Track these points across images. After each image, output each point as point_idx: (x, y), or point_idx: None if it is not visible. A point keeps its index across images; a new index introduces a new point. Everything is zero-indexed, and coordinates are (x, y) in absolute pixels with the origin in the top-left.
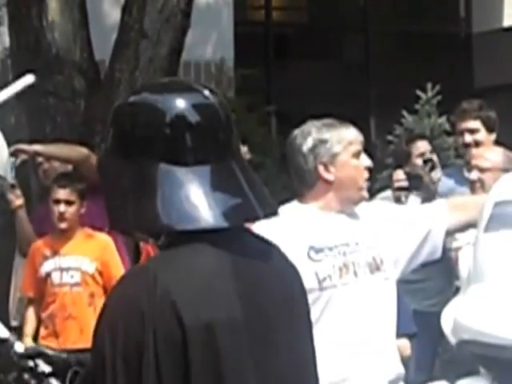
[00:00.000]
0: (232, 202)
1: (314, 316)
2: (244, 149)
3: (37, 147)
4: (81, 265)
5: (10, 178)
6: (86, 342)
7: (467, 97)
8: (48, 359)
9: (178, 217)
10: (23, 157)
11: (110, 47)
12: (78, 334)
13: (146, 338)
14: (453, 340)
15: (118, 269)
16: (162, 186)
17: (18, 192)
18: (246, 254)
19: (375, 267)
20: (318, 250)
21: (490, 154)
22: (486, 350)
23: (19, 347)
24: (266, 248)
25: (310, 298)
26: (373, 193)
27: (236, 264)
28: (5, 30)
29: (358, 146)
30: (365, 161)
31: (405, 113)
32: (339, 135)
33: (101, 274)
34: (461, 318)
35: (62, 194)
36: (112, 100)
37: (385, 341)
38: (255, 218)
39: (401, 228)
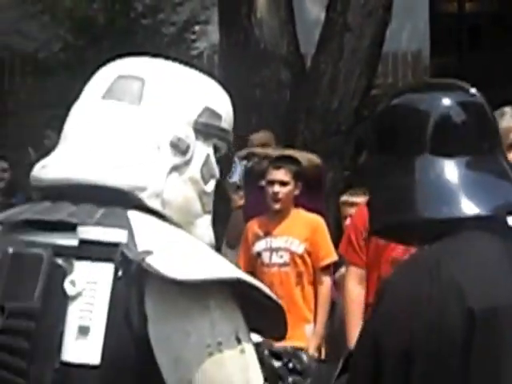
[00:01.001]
0: (496, 191)
1: None
2: None
3: (269, 151)
4: (290, 245)
5: (238, 179)
6: (293, 322)
7: None
8: (301, 360)
9: (440, 204)
10: (255, 160)
11: (314, 41)
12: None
13: (432, 321)
14: None
15: (328, 250)
16: (424, 176)
17: (242, 193)
18: None
19: None
20: None
21: None
22: None
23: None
24: None
25: None
26: None
27: (509, 251)
28: (212, 28)
29: None
30: None
31: None
32: None
33: (309, 254)
34: None
35: (277, 174)
36: (316, 90)
37: None
38: None
39: None
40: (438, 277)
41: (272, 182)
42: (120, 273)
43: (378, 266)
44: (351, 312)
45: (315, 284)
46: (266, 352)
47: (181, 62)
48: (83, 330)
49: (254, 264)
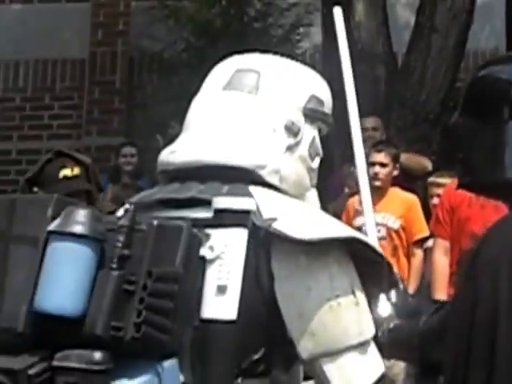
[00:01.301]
0: None
1: None
2: None
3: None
4: (387, 221)
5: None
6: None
7: None
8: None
9: None
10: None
11: (405, 41)
12: None
13: None
14: None
15: (420, 226)
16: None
17: None
18: None
19: None
20: None
21: None
22: None
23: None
24: None
25: None
26: None
27: None
28: (314, 30)
29: None
30: None
31: None
32: None
33: (404, 229)
34: None
35: (378, 157)
36: (407, 84)
37: None
38: None
39: None
40: None
41: (373, 164)
42: (251, 237)
43: (459, 240)
44: (437, 280)
45: (409, 256)
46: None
47: (288, 57)
48: (221, 289)
49: None
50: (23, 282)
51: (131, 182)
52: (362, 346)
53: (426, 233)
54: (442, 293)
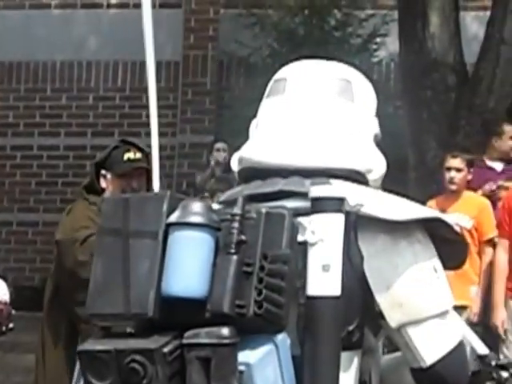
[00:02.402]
0: None
1: None
2: None
3: None
4: (460, 221)
5: None
6: (461, 283)
7: None
8: None
9: None
10: None
11: (475, 52)
12: (454, 277)
13: None
14: None
15: (491, 227)
16: None
17: None
18: None
19: None
20: None
21: None
22: None
23: (495, 361)
24: None
25: None
26: None
27: None
28: (390, 40)
29: None
30: None
31: None
32: None
33: (476, 229)
34: None
35: (454, 162)
36: (476, 92)
37: None
38: None
39: None
40: None
41: (449, 169)
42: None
43: None
44: (498, 274)
45: (481, 254)
46: (494, 363)
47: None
48: (326, 268)
49: None
50: (147, 271)
51: (224, 175)
52: (442, 315)
53: (495, 233)
54: (501, 286)
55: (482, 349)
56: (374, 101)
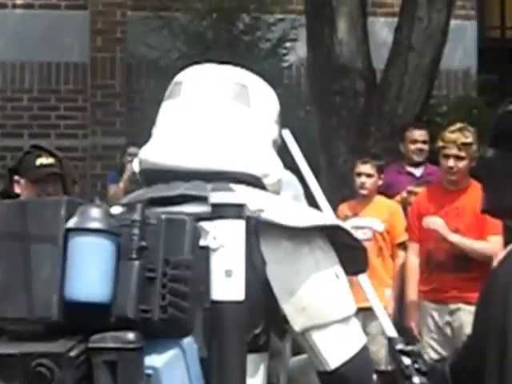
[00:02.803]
0: None
1: None
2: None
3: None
4: (373, 224)
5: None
6: (375, 286)
7: None
8: (424, 361)
9: None
10: None
11: (384, 58)
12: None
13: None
14: None
15: (402, 230)
16: None
17: None
18: None
19: None
20: None
21: None
22: None
23: (401, 346)
24: None
25: None
26: None
27: None
28: (299, 44)
29: None
30: None
31: None
32: None
33: (388, 232)
34: None
35: (364, 168)
36: (385, 98)
37: None
38: None
39: None
40: None
41: (360, 174)
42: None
43: (427, 243)
44: (409, 277)
45: (394, 257)
46: (398, 347)
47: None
48: (228, 274)
49: None
50: (49, 275)
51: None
52: (345, 321)
53: (407, 236)
54: (413, 288)
55: (391, 331)
56: (275, 106)
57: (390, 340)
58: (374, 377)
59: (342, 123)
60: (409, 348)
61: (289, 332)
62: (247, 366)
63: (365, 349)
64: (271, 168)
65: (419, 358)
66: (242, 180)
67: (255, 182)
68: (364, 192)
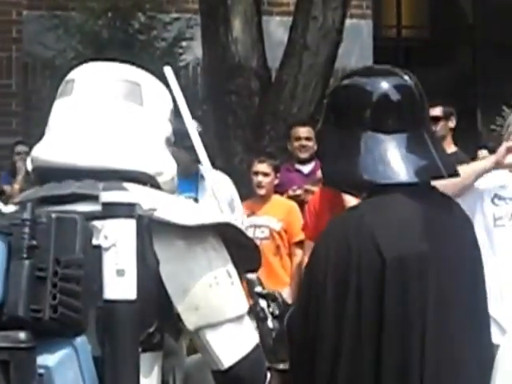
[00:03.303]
0: (421, 162)
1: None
2: None
3: None
4: (270, 223)
5: None
6: (273, 285)
7: None
8: (279, 304)
9: (379, 173)
10: None
11: (279, 57)
12: (265, 278)
13: (352, 265)
14: None
15: (299, 229)
16: (367, 149)
17: None
18: (432, 204)
19: None
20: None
21: None
22: None
23: (258, 289)
24: (448, 202)
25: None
26: None
27: (425, 211)
28: (196, 44)
29: None
30: None
31: (504, 107)
32: None
33: (285, 231)
34: None
35: (260, 167)
36: (280, 97)
37: None
38: (440, 177)
39: None
40: (360, 229)
41: (257, 173)
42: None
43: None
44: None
45: (291, 256)
46: (257, 289)
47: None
48: (120, 273)
49: None
50: None
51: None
52: (238, 319)
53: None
54: None
55: (251, 275)
56: (168, 105)
57: (249, 282)
58: (269, 375)
59: (238, 122)
60: (265, 291)
61: (184, 331)
62: (141, 365)
63: (258, 347)
64: (165, 166)
65: (273, 302)
66: (135, 179)
67: (149, 181)
68: (261, 192)
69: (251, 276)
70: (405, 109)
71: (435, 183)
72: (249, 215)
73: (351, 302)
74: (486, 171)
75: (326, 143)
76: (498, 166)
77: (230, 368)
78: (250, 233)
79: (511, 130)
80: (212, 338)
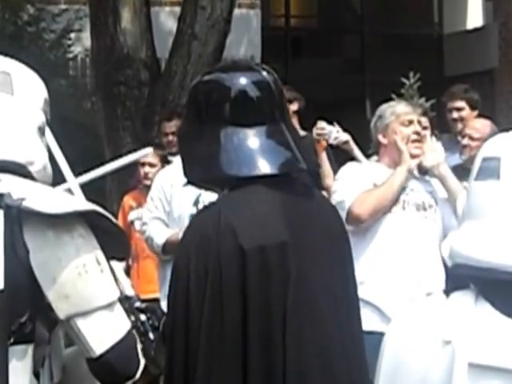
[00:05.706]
0: (281, 155)
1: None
2: None
3: None
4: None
5: None
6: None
7: (440, 82)
8: (157, 315)
9: (240, 166)
10: None
11: (168, 47)
12: (155, 269)
13: (211, 259)
14: (449, 263)
15: None
16: (227, 143)
17: None
18: (293, 195)
19: (422, 208)
20: None
21: (480, 126)
22: (474, 272)
23: (138, 304)
24: (310, 191)
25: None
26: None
27: (285, 201)
28: (85, 35)
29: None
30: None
31: (393, 95)
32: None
33: None
34: (455, 245)
35: (147, 157)
36: (169, 87)
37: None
38: (299, 169)
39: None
40: (219, 221)
41: (143, 164)
42: (6, 216)
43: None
44: None
45: None
46: (137, 304)
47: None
48: None
49: (127, 230)
50: None
51: None
52: (109, 306)
53: None
54: None
55: (129, 291)
56: (41, 94)
57: (128, 299)
58: (143, 362)
59: (127, 113)
60: (143, 305)
61: (58, 320)
62: (12, 355)
63: (130, 334)
64: (36, 155)
65: (153, 315)
66: (5, 168)
67: (20, 170)
68: (147, 182)
69: (130, 293)
70: (263, 103)
71: None
72: (136, 207)
73: (214, 293)
74: (405, 182)
75: (187, 140)
76: (410, 173)
77: (102, 355)
78: (137, 225)
79: (387, 123)
80: (83, 325)
